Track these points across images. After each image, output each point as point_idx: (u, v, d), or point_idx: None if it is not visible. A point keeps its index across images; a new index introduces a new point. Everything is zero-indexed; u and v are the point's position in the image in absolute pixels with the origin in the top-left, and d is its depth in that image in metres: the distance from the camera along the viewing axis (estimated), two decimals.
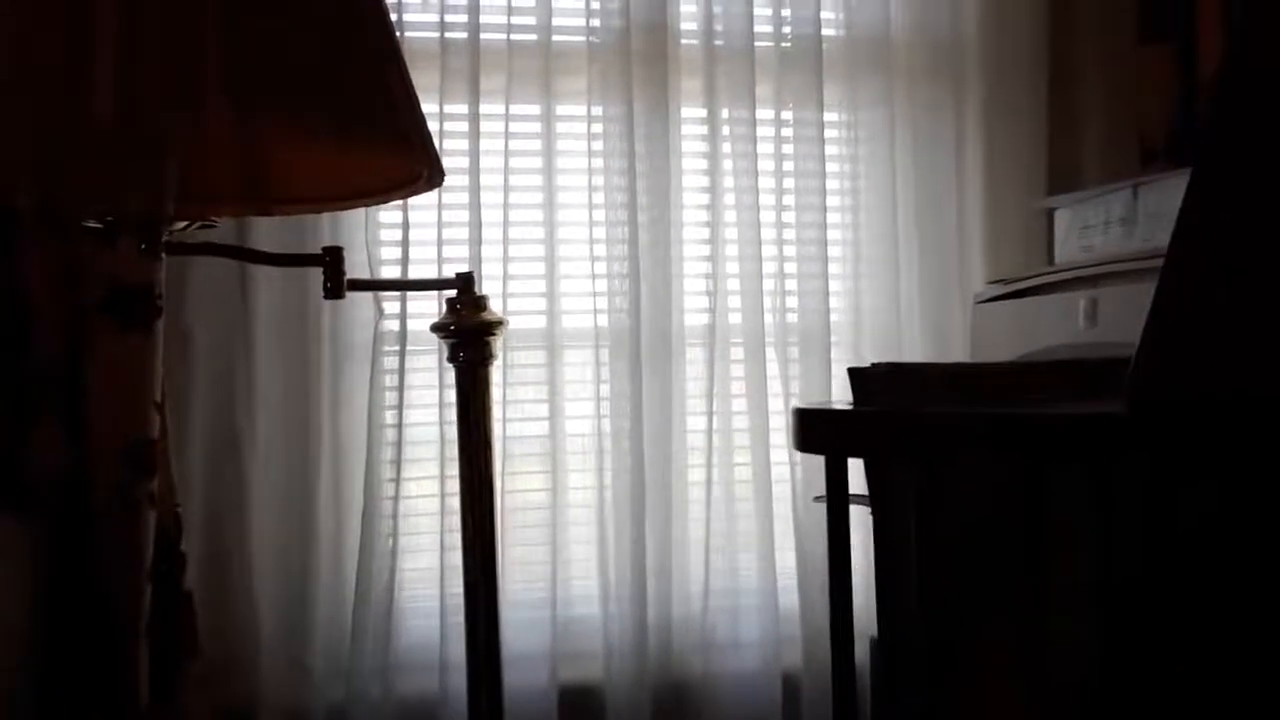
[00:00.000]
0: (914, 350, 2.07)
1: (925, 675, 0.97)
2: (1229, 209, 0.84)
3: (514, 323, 1.94)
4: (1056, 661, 0.90)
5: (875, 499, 1.00)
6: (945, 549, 0.90)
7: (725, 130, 2.03)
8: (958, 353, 2.03)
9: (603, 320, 1.99)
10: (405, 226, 1.92)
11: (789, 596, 2.02)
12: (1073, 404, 0.84)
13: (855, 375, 0.92)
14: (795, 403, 2.04)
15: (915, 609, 0.97)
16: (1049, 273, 1.57)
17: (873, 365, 0.90)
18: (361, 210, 1.86)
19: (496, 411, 1.92)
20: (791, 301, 2.05)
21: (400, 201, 1.87)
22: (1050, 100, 2.10)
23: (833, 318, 2.05)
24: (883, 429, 0.87)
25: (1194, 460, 0.78)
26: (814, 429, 0.88)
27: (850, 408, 0.90)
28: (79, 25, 1.05)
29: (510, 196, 1.97)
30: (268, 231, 1.82)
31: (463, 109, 1.93)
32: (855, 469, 1.00)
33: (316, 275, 1.43)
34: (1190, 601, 0.84)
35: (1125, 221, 1.45)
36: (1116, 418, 0.76)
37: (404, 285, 1.94)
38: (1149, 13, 1.86)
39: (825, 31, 2.06)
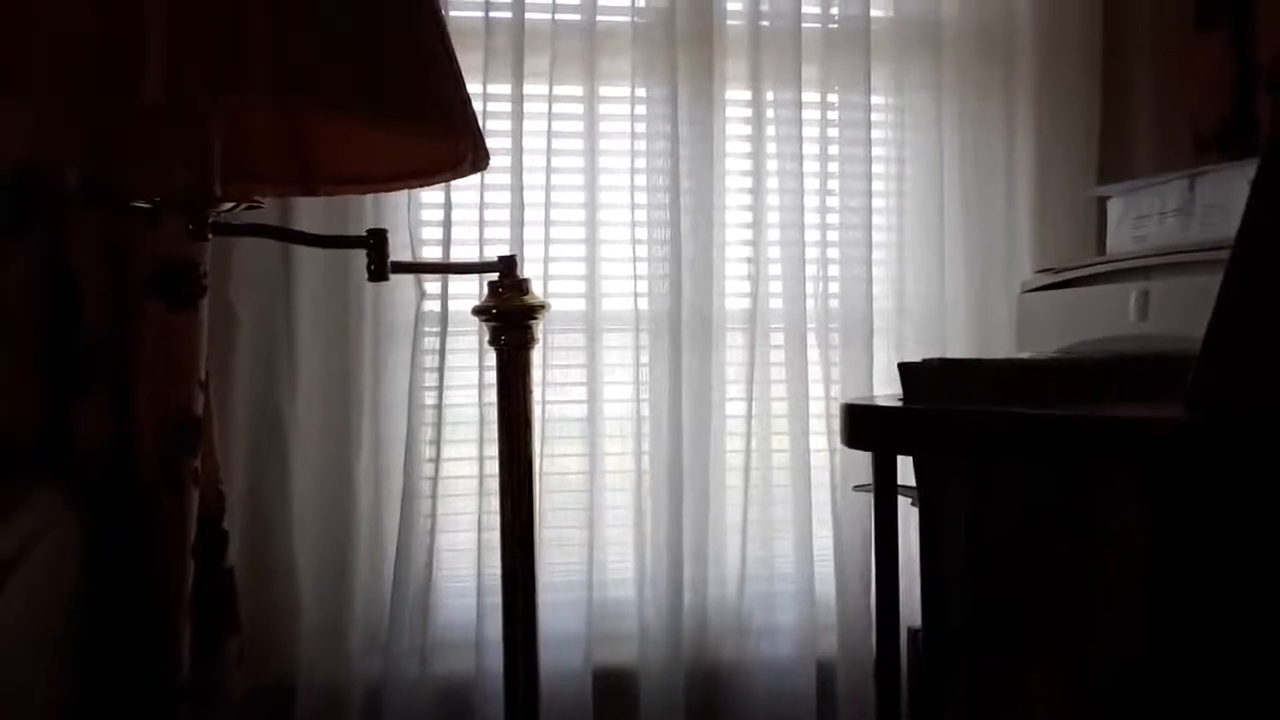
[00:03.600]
0: (958, 339, 2.04)
1: (967, 673, 0.96)
2: None
3: (555, 305, 1.94)
4: (1101, 669, 0.89)
5: (923, 494, 0.99)
6: (993, 547, 0.88)
7: (770, 113, 2.00)
8: (1003, 342, 2.00)
9: (643, 304, 1.98)
10: (448, 208, 1.92)
11: (825, 584, 2.01)
12: (1128, 406, 0.82)
13: (906, 370, 0.91)
14: (836, 390, 2.02)
15: (961, 605, 0.95)
16: (1100, 263, 1.54)
17: (924, 361, 0.89)
18: (404, 192, 1.86)
19: (536, 394, 1.93)
20: (834, 288, 2.03)
21: (443, 183, 1.87)
22: (1103, 87, 2.06)
23: (876, 305, 2.03)
24: (933, 428, 0.85)
25: (1252, 476, 0.76)
26: (863, 426, 0.87)
27: (900, 405, 0.89)
28: (128, 6, 1.05)
29: (552, 179, 1.96)
30: (311, 212, 1.83)
31: (506, 89, 1.92)
32: (903, 459, 0.99)
33: (359, 256, 1.44)
34: (1240, 619, 0.82)
35: (1180, 212, 1.42)
36: (1175, 424, 0.74)
37: (447, 268, 1.94)
38: None
39: (874, 13, 2.03)
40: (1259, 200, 0.80)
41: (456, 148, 1.31)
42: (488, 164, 1.34)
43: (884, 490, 0.87)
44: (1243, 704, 0.84)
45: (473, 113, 1.31)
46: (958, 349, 2.02)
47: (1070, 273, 1.63)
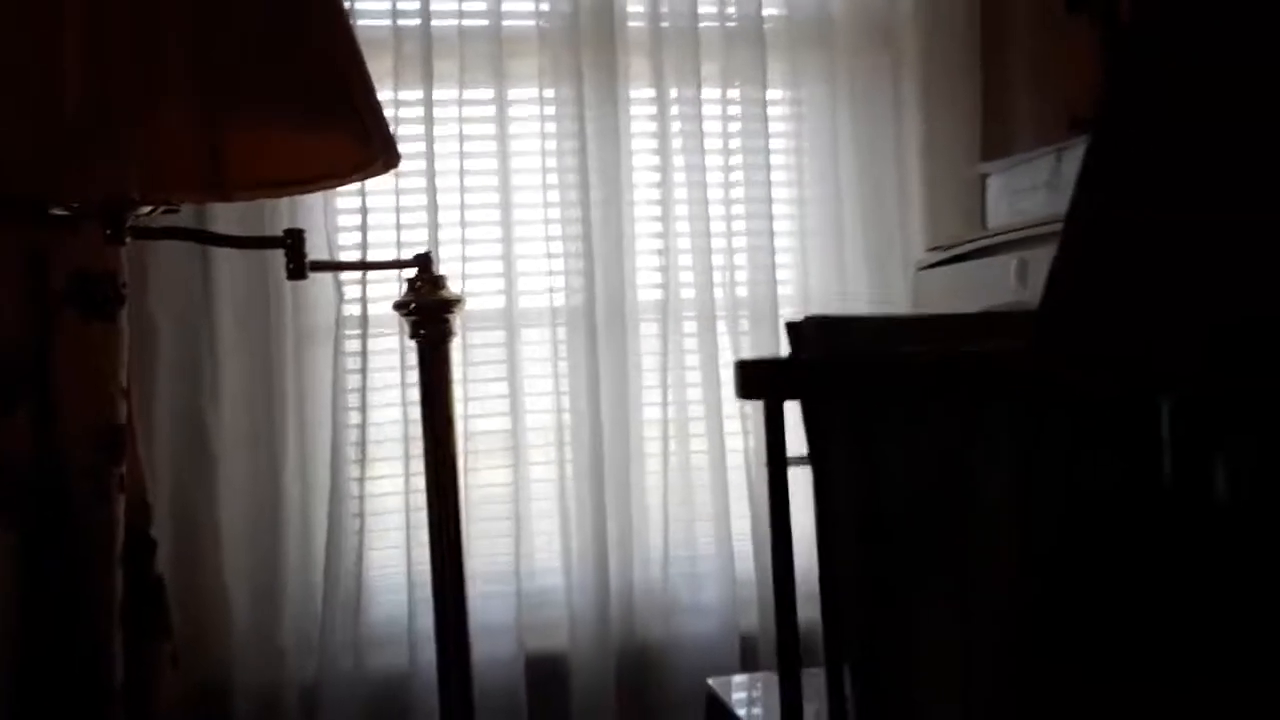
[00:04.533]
0: None
1: (862, 622, 1.04)
2: (1120, 171, 0.91)
3: (472, 304, 1.99)
4: (985, 607, 0.97)
5: (813, 454, 1.06)
6: (879, 497, 0.96)
7: (674, 110, 2.09)
8: None
9: (559, 299, 2.05)
10: (364, 210, 1.96)
11: (745, 561, 2.09)
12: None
13: (791, 328, 0.99)
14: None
15: (852, 558, 1.03)
16: (981, 238, 1.64)
17: (806, 318, 0.97)
18: (320, 195, 1.90)
19: (458, 391, 1.98)
20: (741, 275, 2.11)
21: (358, 186, 1.92)
22: (983, 70, 2.18)
23: (781, 289, 2.12)
24: (813, 375, 0.93)
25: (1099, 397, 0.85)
26: (753, 376, 0.95)
27: (786, 357, 0.97)
28: (45, 17, 1.09)
29: (465, 179, 2.01)
30: (227, 216, 1.86)
31: (418, 94, 1.98)
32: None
33: (278, 259, 1.48)
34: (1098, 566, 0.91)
35: (1050, 186, 1.53)
36: (1030, 354, 0.82)
37: (364, 266, 1.99)
38: None
39: (768, 10, 2.13)
40: (1088, 158, 0.89)
41: (368, 148, 1.36)
42: (398, 163, 1.40)
43: (774, 441, 0.95)
44: (1111, 635, 0.92)
45: (382, 114, 1.36)
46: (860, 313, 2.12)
47: (957, 249, 1.73)
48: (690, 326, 2.09)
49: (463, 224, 2.01)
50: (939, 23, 2.16)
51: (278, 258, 1.47)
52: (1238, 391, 0.91)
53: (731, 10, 2.11)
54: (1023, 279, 1.54)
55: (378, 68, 1.92)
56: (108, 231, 1.37)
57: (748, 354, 2.11)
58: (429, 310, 1.59)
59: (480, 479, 2.03)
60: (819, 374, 0.91)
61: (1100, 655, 0.94)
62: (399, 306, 1.60)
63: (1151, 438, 0.95)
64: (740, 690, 1.45)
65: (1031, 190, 1.58)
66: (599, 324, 2.04)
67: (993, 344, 1.03)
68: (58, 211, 1.44)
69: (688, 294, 2.10)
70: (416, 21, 1.98)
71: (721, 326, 2.09)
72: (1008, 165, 1.66)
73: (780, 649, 1.07)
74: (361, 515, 1.97)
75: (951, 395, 0.87)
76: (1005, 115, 2.14)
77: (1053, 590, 0.97)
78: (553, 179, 2.05)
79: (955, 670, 1.01)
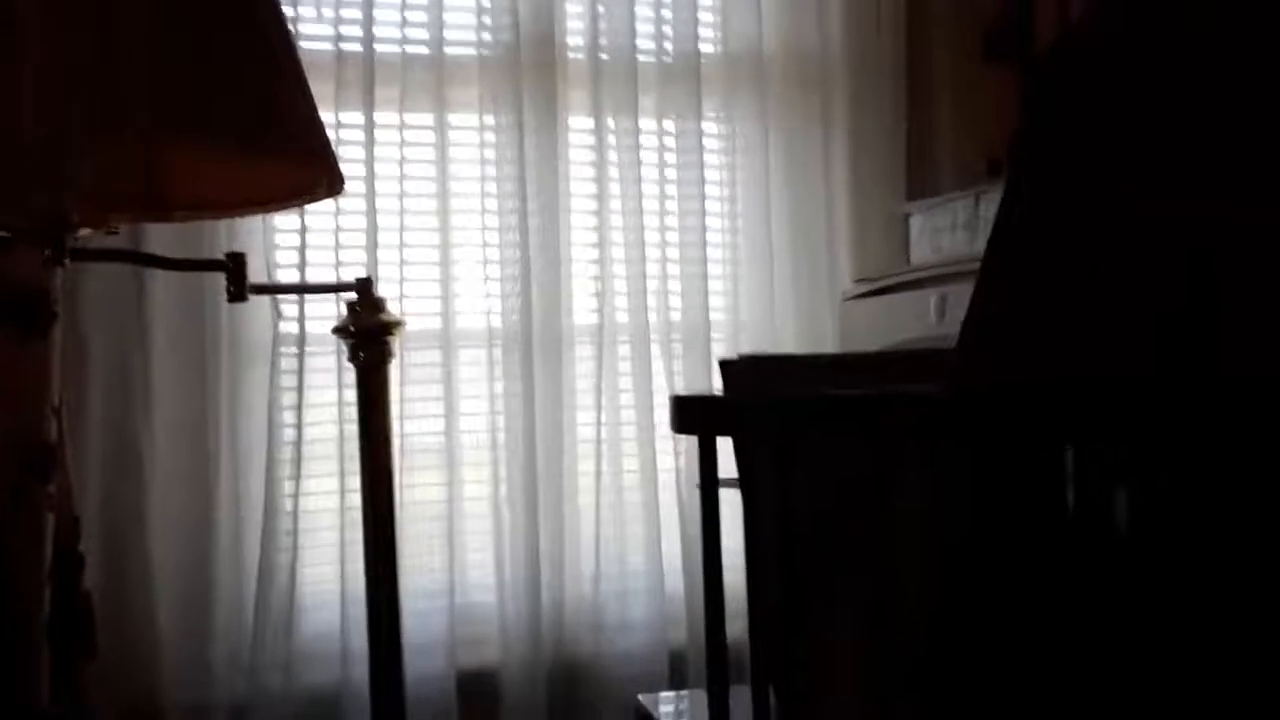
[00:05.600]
0: (788, 344, 2.21)
1: (783, 646, 1.09)
2: (1037, 214, 0.98)
3: (410, 324, 2.02)
4: (896, 638, 1.03)
5: (743, 481, 1.12)
6: (801, 527, 1.02)
7: (611, 140, 2.14)
8: (828, 346, 2.18)
9: (495, 320, 2.09)
10: (303, 232, 1.98)
11: (674, 579, 2.14)
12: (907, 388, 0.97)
13: (725, 366, 1.04)
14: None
15: (773, 580, 1.09)
16: (904, 273, 1.72)
17: (739, 357, 1.02)
18: (259, 217, 1.91)
19: (394, 410, 2.00)
20: (675, 301, 2.18)
21: (298, 208, 1.93)
22: (908, 113, 2.28)
23: (713, 315, 2.18)
24: (743, 411, 0.99)
25: (1002, 439, 0.92)
26: (687, 413, 1.00)
27: (719, 394, 1.02)
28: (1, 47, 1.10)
29: (405, 203, 2.04)
30: (163, 236, 1.86)
31: (358, 118, 2.00)
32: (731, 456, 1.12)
33: (214, 280, 1.49)
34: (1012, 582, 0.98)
35: (969, 226, 1.61)
36: (937, 398, 0.89)
37: (305, 289, 2.00)
38: (994, 33, 2.03)
39: (703, 48, 2.20)
40: (1004, 201, 0.96)
41: (312, 173, 1.39)
42: (343, 189, 1.42)
43: (707, 473, 1.00)
44: (1018, 665, 0.99)
45: (327, 140, 1.39)
46: (788, 352, 2.19)
47: (882, 281, 1.81)
48: (625, 350, 2.15)
49: (401, 245, 2.04)
50: (866, 66, 2.25)
51: (214, 278, 1.49)
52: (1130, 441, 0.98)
53: (669, 45, 2.18)
54: (941, 313, 1.62)
55: (319, 90, 1.93)
56: (47, 253, 1.37)
57: (680, 377, 2.17)
58: (369, 334, 1.61)
59: (414, 495, 2.05)
60: (750, 414, 0.97)
61: (1005, 679, 1.01)
62: (339, 330, 1.62)
63: (1055, 471, 1.02)
64: (668, 705, 1.50)
65: (951, 230, 1.66)
66: (535, 345, 2.08)
67: (913, 383, 1.10)
68: None
69: (622, 318, 2.15)
70: (358, 47, 2.00)
71: (655, 350, 2.15)
72: (929, 205, 1.75)
73: (710, 668, 1.13)
74: (295, 533, 1.98)
75: (873, 434, 0.93)
76: (928, 157, 2.23)
77: (960, 614, 1.03)
78: (491, 204, 2.09)
79: (869, 691, 1.07)
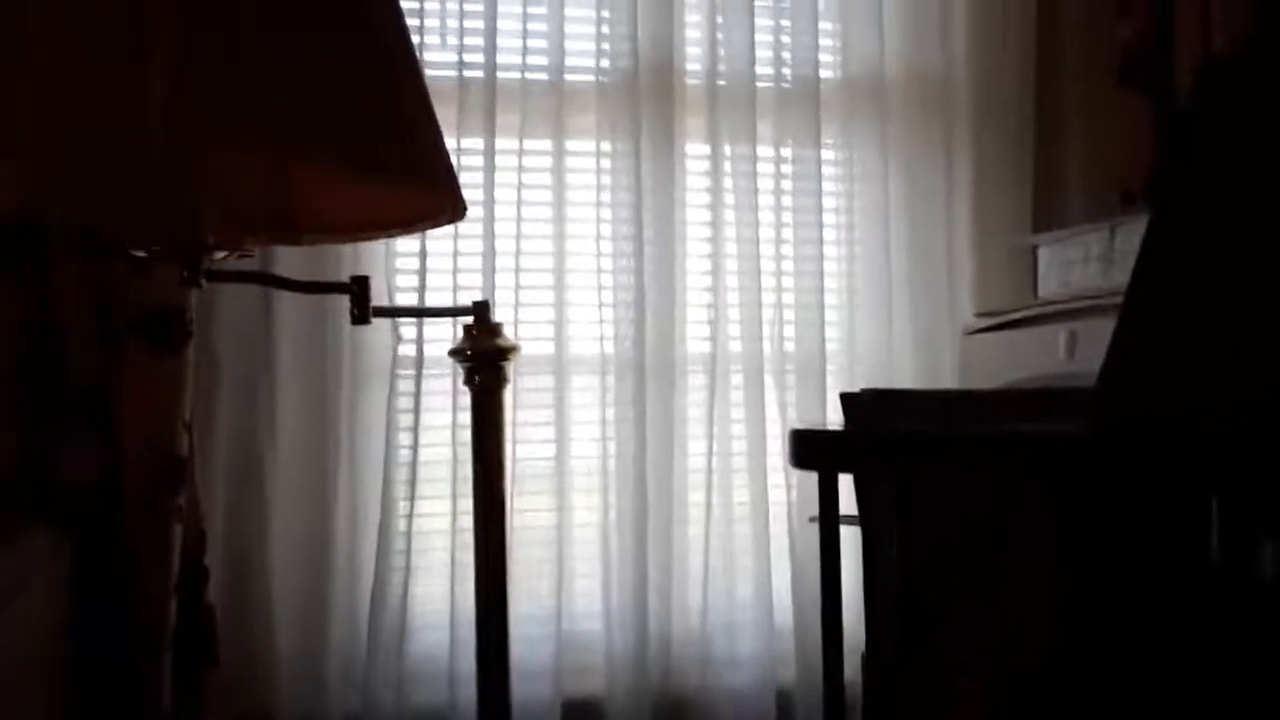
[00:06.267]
0: (906, 378, 2.15)
1: (901, 682, 1.05)
2: (1184, 247, 0.94)
3: (524, 349, 2.03)
4: (1019, 662, 0.99)
5: (863, 517, 1.09)
6: (921, 561, 0.98)
7: (727, 166, 2.13)
8: (947, 381, 2.11)
9: (609, 347, 2.08)
10: (423, 255, 2.01)
11: (784, 615, 2.10)
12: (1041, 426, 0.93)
13: (846, 400, 1.01)
14: (792, 427, 2.13)
15: (894, 622, 1.05)
16: (1030, 307, 1.66)
17: (861, 391, 0.99)
18: (381, 240, 1.95)
19: (507, 434, 2.01)
20: (789, 331, 2.14)
21: (420, 233, 1.97)
22: (1036, 140, 2.21)
23: (829, 347, 2.14)
24: (867, 447, 0.96)
25: (1144, 481, 0.87)
26: (807, 448, 0.97)
27: (840, 429, 0.99)
28: (129, 57, 1.14)
29: (522, 227, 2.06)
30: (288, 258, 1.91)
31: (479, 143, 2.03)
32: (848, 491, 1.09)
33: (336, 303, 1.52)
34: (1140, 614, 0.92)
35: (1103, 259, 1.55)
36: (1075, 438, 0.84)
37: (424, 312, 2.03)
38: (1131, 58, 1.96)
39: (823, 73, 2.17)
40: (1151, 234, 0.92)
41: (437, 199, 1.40)
42: (465, 214, 1.44)
43: (827, 509, 0.97)
44: (1140, 692, 0.94)
45: (451, 166, 1.40)
46: (909, 385, 2.14)
47: (1006, 316, 1.75)
48: (737, 380, 2.12)
49: (518, 270, 2.06)
50: (993, 91, 2.19)
51: (336, 300, 1.52)
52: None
53: (787, 71, 2.16)
54: (1071, 350, 1.55)
55: (442, 116, 1.98)
56: (185, 274, 1.42)
57: (793, 408, 2.13)
58: (484, 357, 1.62)
59: (524, 520, 2.06)
60: (873, 449, 0.94)
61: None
62: (455, 353, 1.64)
63: (1199, 516, 0.96)
64: None
65: (1083, 263, 1.60)
66: (647, 372, 2.07)
67: (1043, 421, 1.05)
68: (136, 253, 1.50)
69: (735, 347, 2.12)
70: (481, 73, 2.03)
71: (768, 381, 2.12)
72: (1059, 238, 1.68)
73: (827, 710, 1.09)
74: (408, 553, 2.00)
75: (1004, 473, 0.89)
76: (1057, 187, 2.16)
77: (1088, 662, 0.98)
78: (606, 230, 2.09)
79: None
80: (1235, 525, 0.95)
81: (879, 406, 0.97)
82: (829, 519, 0.98)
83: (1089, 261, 1.59)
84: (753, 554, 2.11)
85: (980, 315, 1.90)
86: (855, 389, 2.12)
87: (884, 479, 0.94)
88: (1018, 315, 1.70)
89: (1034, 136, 2.20)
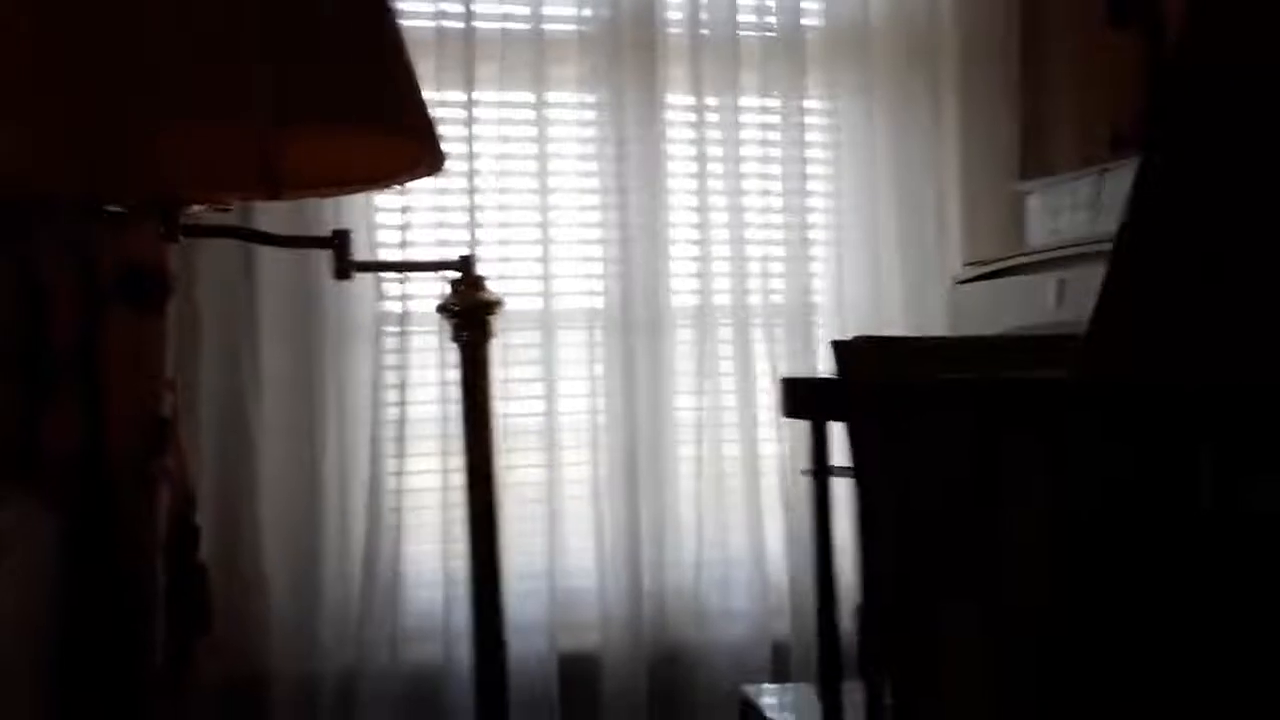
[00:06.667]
0: (895, 328, 2.14)
1: (897, 630, 1.05)
2: (1176, 192, 0.92)
3: (510, 304, 2.01)
4: (1014, 613, 0.98)
5: (856, 467, 1.08)
6: (914, 513, 0.98)
7: (712, 117, 2.10)
8: (937, 331, 2.10)
9: (596, 301, 2.07)
10: (405, 211, 1.99)
11: (777, 567, 2.11)
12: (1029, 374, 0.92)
13: (837, 347, 1.00)
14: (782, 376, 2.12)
15: (890, 569, 1.04)
16: (1020, 255, 1.65)
17: (853, 339, 0.98)
18: (362, 195, 1.92)
19: (494, 390, 2.00)
20: (777, 283, 2.13)
21: (400, 187, 1.94)
22: (1023, 86, 2.18)
23: (817, 298, 2.13)
24: (859, 395, 0.95)
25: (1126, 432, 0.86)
26: (798, 397, 0.96)
27: (832, 377, 0.98)
28: (109, 17, 1.11)
29: (505, 181, 2.04)
30: (270, 213, 1.88)
31: (459, 96, 2.00)
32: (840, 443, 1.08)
33: (320, 257, 1.50)
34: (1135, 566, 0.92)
35: (1091, 206, 1.53)
36: (1065, 386, 0.84)
37: (408, 266, 2.01)
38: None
39: (807, 21, 2.14)
40: (1139, 184, 0.90)
41: (414, 151, 1.38)
42: (443, 167, 1.41)
43: (819, 458, 0.96)
44: (1137, 645, 0.94)
45: (429, 117, 1.38)
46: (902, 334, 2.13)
47: (995, 264, 1.74)
48: (726, 333, 2.11)
49: (502, 225, 2.04)
50: (978, 37, 2.16)
51: (320, 256, 1.49)
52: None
53: (771, 20, 2.12)
54: (1060, 298, 1.54)
55: (421, 68, 1.94)
56: (162, 229, 1.40)
57: (782, 361, 2.12)
58: (470, 312, 1.61)
59: (515, 477, 2.05)
60: (866, 397, 0.93)
61: (1126, 671, 0.96)
62: (441, 309, 1.62)
63: (1187, 461, 0.96)
64: (772, 698, 1.46)
65: (1072, 210, 1.58)
66: (635, 327, 2.06)
67: (1035, 369, 1.04)
68: (112, 209, 1.47)
69: (723, 300, 2.11)
70: (460, 24, 2.00)
71: (757, 333, 2.11)
72: (1047, 184, 1.67)
73: (821, 662, 1.09)
74: (399, 510, 2.00)
75: (996, 420, 0.88)
76: (1046, 132, 2.14)
77: (1081, 607, 0.98)
78: (591, 183, 2.07)
79: (989, 684, 1.03)
80: (1228, 474, 0.95)
81: (871, 353, 0.96)
82: (821, 469, 0.97)
83: (1077, 208, 1.58)
84: (745, 507, 2.10)
85: (969, 264, 1.89)
86: (872, 334, 2.13)
87: (876, 427, 0.94)
88: (1006, 264, 1.69)
89: (1021, 82, 2.18)
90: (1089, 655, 0.98)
